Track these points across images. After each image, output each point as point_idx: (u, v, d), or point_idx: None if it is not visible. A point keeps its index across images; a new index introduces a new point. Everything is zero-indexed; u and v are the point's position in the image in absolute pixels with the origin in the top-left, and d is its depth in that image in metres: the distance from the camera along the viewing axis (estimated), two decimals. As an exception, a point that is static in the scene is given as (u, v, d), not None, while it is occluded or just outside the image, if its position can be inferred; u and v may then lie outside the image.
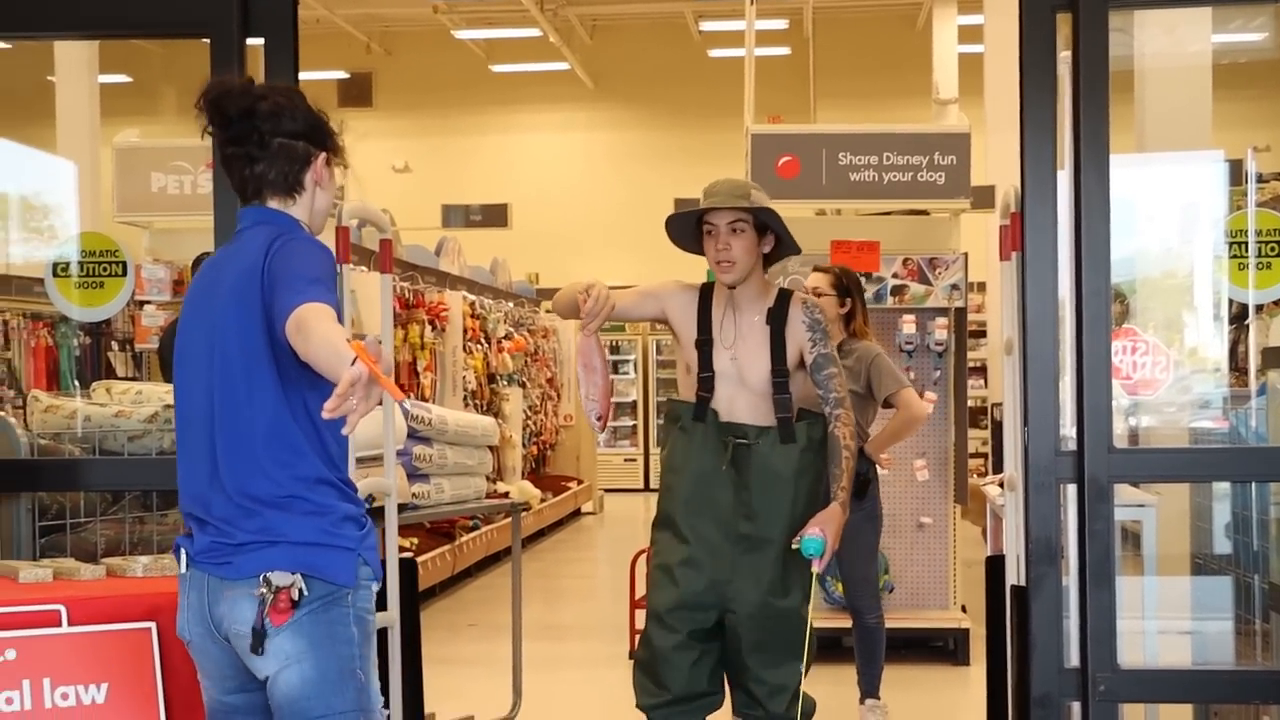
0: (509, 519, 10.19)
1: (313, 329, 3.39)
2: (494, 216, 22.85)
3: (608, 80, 26.43)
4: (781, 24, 23.65)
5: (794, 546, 5.24)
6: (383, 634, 6.23)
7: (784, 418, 5.46)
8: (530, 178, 24.90)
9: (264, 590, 3.64)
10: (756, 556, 5.41)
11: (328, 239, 6.27)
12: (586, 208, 24.75)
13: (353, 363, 3.13)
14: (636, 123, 25.83)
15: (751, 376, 5.49)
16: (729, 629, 5.43)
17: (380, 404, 3.43)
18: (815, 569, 5.24)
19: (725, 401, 5.50)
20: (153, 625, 4.46)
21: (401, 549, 6.66)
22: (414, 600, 6.63)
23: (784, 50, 24.02)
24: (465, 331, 15.21)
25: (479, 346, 15.73)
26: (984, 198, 11.56)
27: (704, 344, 5.55)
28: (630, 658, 6.01)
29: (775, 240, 5.61)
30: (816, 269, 8.16)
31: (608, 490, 21.75)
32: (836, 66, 22.98)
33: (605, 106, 26.21)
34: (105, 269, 5.76)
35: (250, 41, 5.27)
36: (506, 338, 16.70)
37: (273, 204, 3.92)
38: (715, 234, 5.45)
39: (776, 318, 5.51)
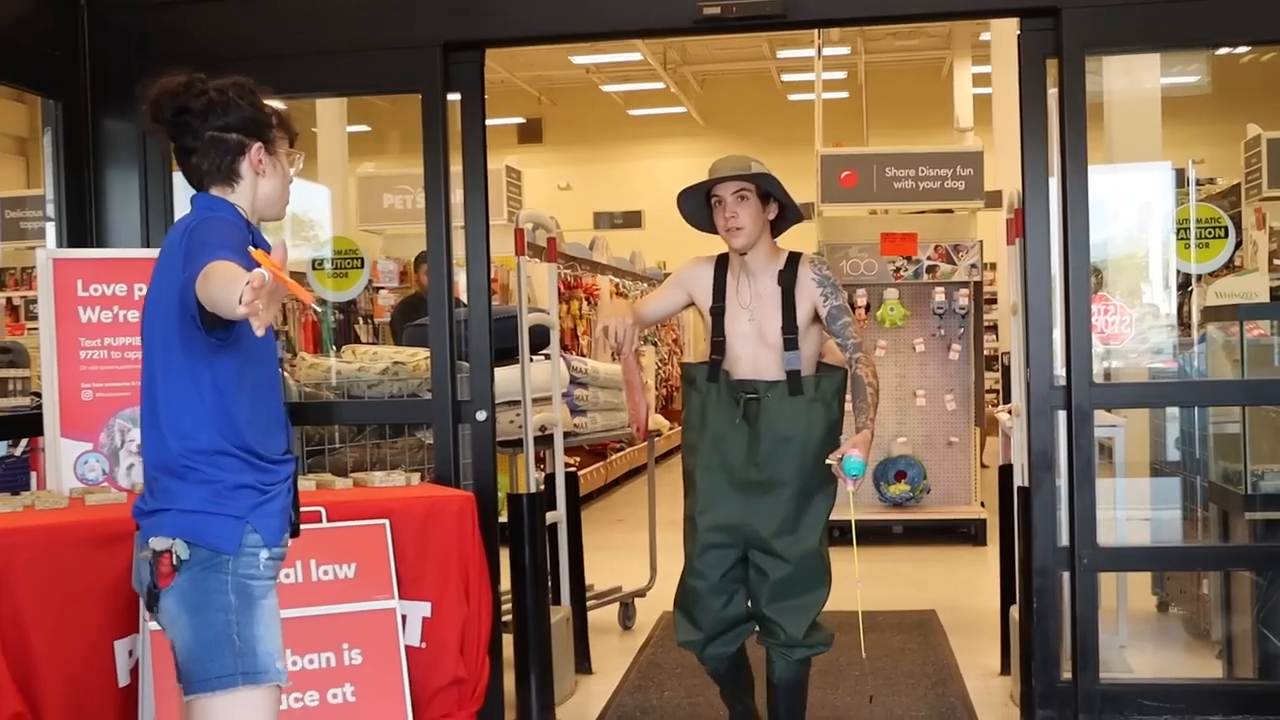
0: (646, 442, 10.19)
1: (211, 271, 2.68)
2: (631, 220, 22.85)
3: (714, 119, 26.31)
4: (841, 75, 23.42)
5: (829, 462, 4.41)
6: (554, 528, 6.27)
7: (792, 372, 4.60)
8: (658, 191, 24.53)
9: (148, 554, 2.97)
10: (769, 500, 4.58)
11: (506, 239, 6.36)
12: (700, 213, 24.71)
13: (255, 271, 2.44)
14: (736, 150, 25.60)
15: (769, 335, 4.61)
16: (751, 565, 4.64)
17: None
18: (851, 488, 4.38)
19: (746, 361, 4.65)
20: (386, 522, 4.46)
21: (566, 465, 6.65)
22: (576, 503, 6.64)
23: (844, 94, 23.76)
24: (612, 305, 15.32)
25: (622, 316, 15.77)
26: (993, 199, 11.45)
27: (717, 311, 4.70)
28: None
29: (779, 209, 4.72)
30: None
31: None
32: (882, 105, 22.72)
33: (712, 138, 25.96)
34: (349, 263, 5.81)
35: (450, 96, 5.27)
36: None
37: (214, 191, 3.15)
38: (723, 204, 4.58)
39: (787, 278, 4.63)
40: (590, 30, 5.34)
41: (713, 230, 4.73)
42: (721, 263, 4.77)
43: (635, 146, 26.81)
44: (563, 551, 6.39)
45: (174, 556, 2.93)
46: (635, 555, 8.12)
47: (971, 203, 10.32)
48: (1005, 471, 6.32)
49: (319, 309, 2.61)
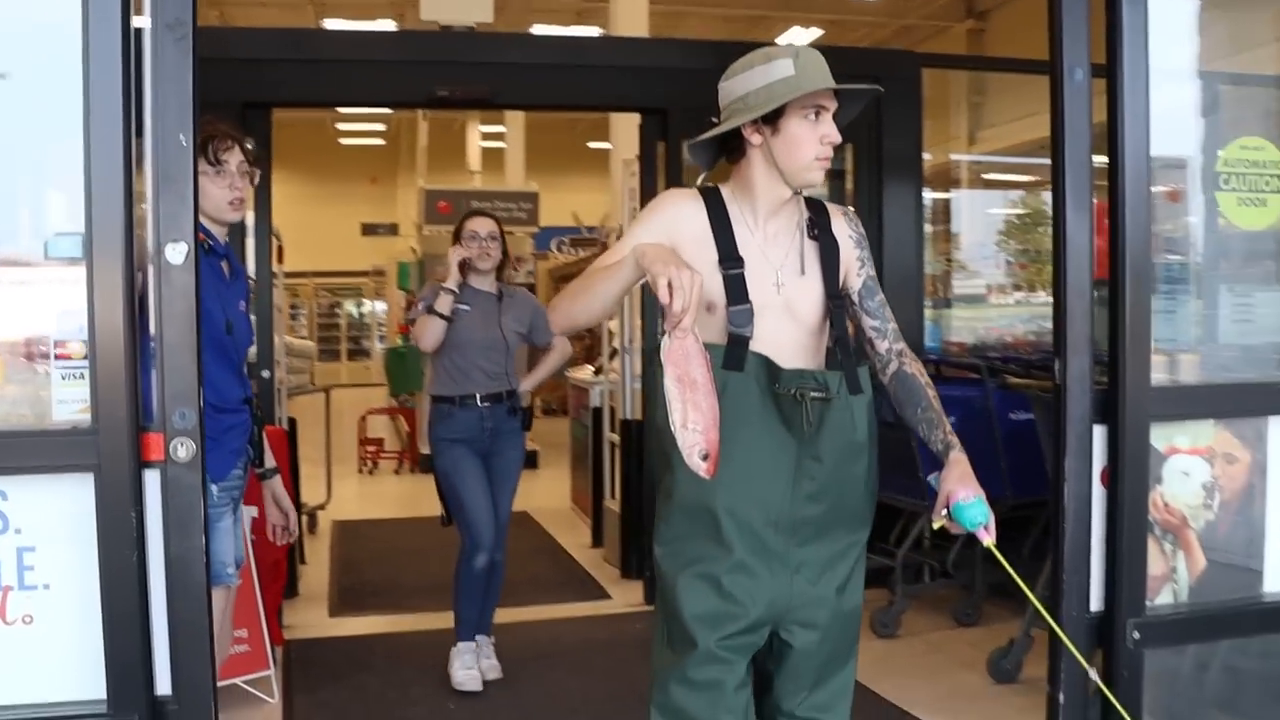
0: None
1: None
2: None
3: (283, 158, 25.61)
4: (382, 126, 23.55)
5: (938, 524, 2.31)
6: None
7: (849, 360, 2.40)
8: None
9: None
10: (823, 547, 2.36)
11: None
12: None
13: None
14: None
15: (803, 306, 2.39)
16: (780, 646, 2.40)
17: None
18: (988, 540, 2.28)
19: (767, 343, 2.33)
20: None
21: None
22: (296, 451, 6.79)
23: (382, 141, 23.96)
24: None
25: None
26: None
27: (732, 265, 2.34)
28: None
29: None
30: (479, 213, 4.70)
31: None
32: (416, 149, 22.88)
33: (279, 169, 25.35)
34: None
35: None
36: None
37: None
38: (823, 117, 2.32)
39: (821, 230, 2.46)
40: (354, 100, 5.63)
41: (709, 166, 2.48)
42: (715, 203, 2.41)
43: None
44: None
45: None
46: (311, 482, 8.30)
47: (529, 227, 10.97)
48: (597, 413, 7.14)
49: None
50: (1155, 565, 2.96)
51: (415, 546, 7.14)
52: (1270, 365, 3.43)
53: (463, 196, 10.55)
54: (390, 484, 10.16)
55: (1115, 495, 2.89)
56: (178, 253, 2.27)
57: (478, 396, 4.48)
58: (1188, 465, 3.06)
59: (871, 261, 2.54)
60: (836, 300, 2.44)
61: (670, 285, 2.05)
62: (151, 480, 2.28)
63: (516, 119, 17.55)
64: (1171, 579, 3.02)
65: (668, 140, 5.73)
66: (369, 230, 19.27)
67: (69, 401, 2.25)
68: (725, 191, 2.43)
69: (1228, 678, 3.27)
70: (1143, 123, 2.91)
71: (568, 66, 5.60)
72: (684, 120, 5.70)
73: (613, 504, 6.75)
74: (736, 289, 2.35)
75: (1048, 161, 3.05)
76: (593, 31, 15.61)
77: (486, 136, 20.35)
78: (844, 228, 2.51)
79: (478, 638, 4.67)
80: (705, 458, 2.06)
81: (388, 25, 14.70)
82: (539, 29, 12.28)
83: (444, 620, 5.35)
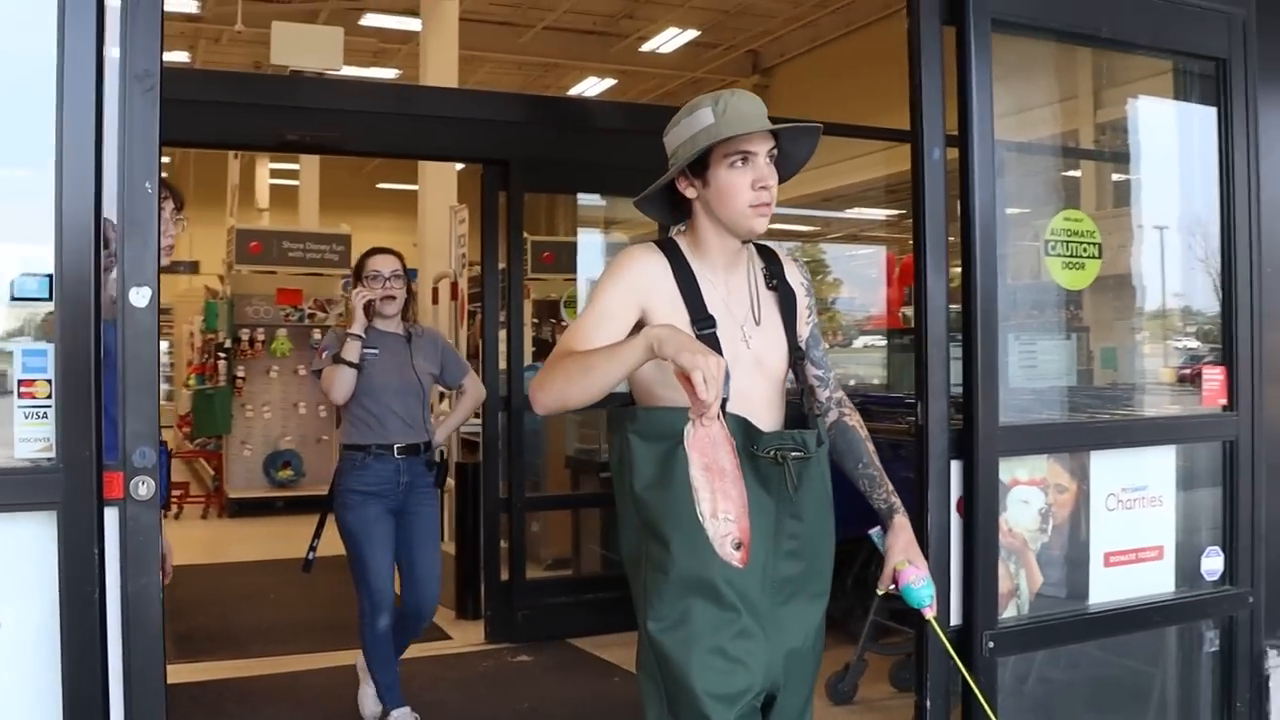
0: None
1: None
2: None
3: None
4: (164, 159, 22.60)
5: (883, 591, 2.45)
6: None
7: (810, 412, 2.46)
8: None
9: None
10: (801, 602, 2.34)
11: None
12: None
13: None
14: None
15: (770, 359, 2.36)
16: (767, 703, 2.35)
17: None
18: (929, 615, 2.42)
19: (741, 399, 2.28)
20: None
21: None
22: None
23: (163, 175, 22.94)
24: None
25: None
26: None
27: (705, 325, 2.28)
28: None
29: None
30: (380, 251, 4.41)
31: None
32: (207, 183, 21.98)
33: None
34: None
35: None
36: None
37: None
38: (752, 164, 2.26)
39: (777, 278, 2.43)
40: (203, 141, 5.61)
41: (670, 221, 2.45)
42: (677, 259, 2.34)
43: None
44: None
45: None
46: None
47: (342, 270, 10.68)
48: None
49: None
50: (1002, 583, 3.34)
51: (243, 591, 7.04)
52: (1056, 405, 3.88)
53: (275, 237, 10.35)
54: (200, 529, 9.83)
55: (970, 522, 3.25)
56: (141, 296, 2.35)
57: (394, 449, 4.27)
58: (1027, 495, 3.45)
59: (816, 309, 2.52)
60: (798, 351, 2.44)
61: (706, 378, 1.93)
62: (111, 518, 2.33)
63: (311, 158, 17.30)
64: (1015, 595, 3.40)
65: (509, 190, 5.91)
66: (167, 268, 18.50)
67: (30, 440, 2.28)
68: (683, 245, 2.36)
69: (1048, 687, 3.69)
70: (989, 189, 3.30)
71: (414, 116, 5.71)
72: (523, 171, 5.93)
73: (446, 547, 6.81)
74: (712, 346, 2.24)
75: (835, 214, 3.38)
76: (390, 73, 15.71)
77: (276, 174, 19.92)
78: (796, 275, 2.49)
79: (395, 713, 4.37)
80: (738, 546, 1.99)
81: (181, 57, 14.44)
82: (347, 70, 12.23)
83: (291, 664, 5.34)
